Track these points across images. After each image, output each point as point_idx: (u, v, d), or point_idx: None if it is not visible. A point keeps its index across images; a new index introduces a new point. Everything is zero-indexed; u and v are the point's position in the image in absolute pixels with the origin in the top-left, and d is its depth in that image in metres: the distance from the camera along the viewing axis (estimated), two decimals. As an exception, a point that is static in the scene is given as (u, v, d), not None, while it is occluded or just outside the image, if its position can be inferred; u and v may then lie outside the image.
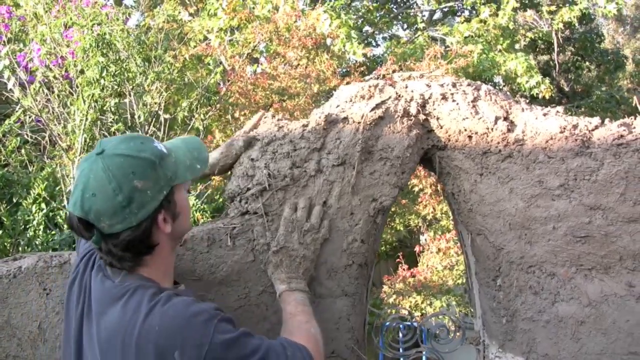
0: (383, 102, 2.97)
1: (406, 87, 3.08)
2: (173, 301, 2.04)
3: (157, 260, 2.20)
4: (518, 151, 2.88)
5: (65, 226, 4.86)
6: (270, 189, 2.84)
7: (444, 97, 3.02)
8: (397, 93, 3.03)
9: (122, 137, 2.19)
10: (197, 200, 5.90)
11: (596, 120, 2.90)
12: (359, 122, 2.91)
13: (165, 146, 2.25)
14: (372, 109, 2.92)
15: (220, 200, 6.55)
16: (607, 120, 2.93)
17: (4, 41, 6.29)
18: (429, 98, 3.03)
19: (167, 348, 1.94)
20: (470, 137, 2.95)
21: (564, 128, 2.85)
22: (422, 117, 3.01)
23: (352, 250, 2.85)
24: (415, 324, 6.08)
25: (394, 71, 10.30)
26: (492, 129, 2.92)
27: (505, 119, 2.94)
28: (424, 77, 3.25)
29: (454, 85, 3.06)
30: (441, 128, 3.01)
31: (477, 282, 3.16)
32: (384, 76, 9.58)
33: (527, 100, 3.20)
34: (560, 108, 3.01)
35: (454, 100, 3.01)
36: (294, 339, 2.26)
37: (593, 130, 2.85)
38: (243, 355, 2.00)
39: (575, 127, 2.86)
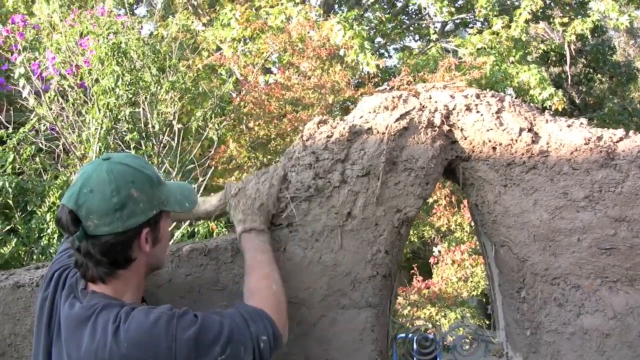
0: (407, 113, 2.95)
1: (430, 97, 3.07)
2: (132, 315, 2.06)
3: (130, 278, 2.22)
4: (542, 162, 2.86)
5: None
6: (295, 200, 2.82)
7: (468, 108, 3.00)
8: (421, 104, 3.02)
9: (128, 153, 2.29)
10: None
11: (620, 132, 2.89)
12: (383, 133, 2.89)
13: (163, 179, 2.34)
14: (397, 120, 2.91)
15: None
16: (631, 132, 2.91)
17: (19, 49, 6.30)
18: (453, 109, 3.01)
19: None
20: (494, 148, 2.93)
21: (589, 140, 2.84)
22: (446, 128, 2.98)
23: (376, 261, 2.83)
24: (431, 336, 6.06)
25: (408, 82, 10.31)
26: (516, 140, 2.90)
27: (530, 130, 2.92)
28: (447, 88, 3.24)
29: (477, 96, 3.05)
30: (465, 139, 2.99)
31: (501, 294, 3.14)
32: (398, 87, 9.57)
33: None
34: (584, 119, 2.99)
35: (478, 111, 2.99)
36: (254, 300, 2.32)
37: (618, 142, 2.84)
38: (210, 343, 2.05)
39: (599, 138, 2.85)
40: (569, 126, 2.93)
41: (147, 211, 2.17)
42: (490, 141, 2.94)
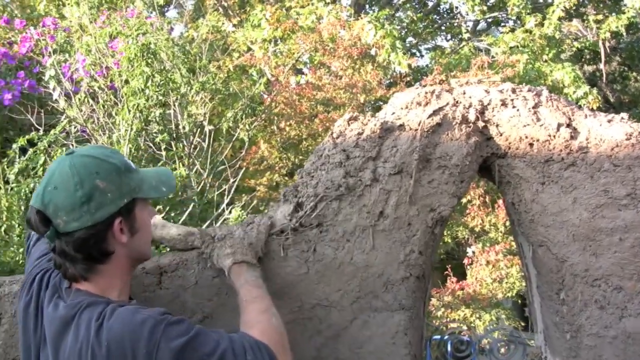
0: (440, 109, 2.87)
1: (464, 93, 2.99)
2: (118, 312, 1.99)
3: (112, 272, 2.17)
4: (582, 159, 2.77)
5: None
6: (325, 199, 2.75)
7: (504, 103, 2.92)
8: (454, 99, 2.94)
9: (95, 145, 2.24)
10: (242, 211, 5.85)
11: (664, 127, 2.79)
12: (415, 130, 2.82)
13: (135, 166, 2.28)
14: (430, 116, 2.83)
15: (265, 211, 6.51)
16: (675, 128, 2.81)
17: (49, 52, 6.31)
18: (488, 104, 2.93)
19: None
20: (531, 144, 2.85)
21: (630, 135, 2.75)
22: (481, 124, 2.90)
23: (409, 261, 2.75)
24: (466, 338, 5.97)
25: (440, 81, 10.22)
26: (554, 136, 2.81)
27: (568, 125, 2.83)
28: (482, 83, 3.15)
29: (513, 91, 2.96)
30: (501, 135, 2.91)
31: (539, 296, 3.05)
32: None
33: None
34: (625, 114, 2.89)
35: (514, 107, 2.90)
36: (254, 331, 2.16)
37: (661, 137, 2.75)
38: (199, 358, 1.94)
39: (642, 134, 2.75)
40: (609, 121, 2.84)
41: (117, 200, 2.11)
42: (527, 137, 2.85)
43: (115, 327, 1.95)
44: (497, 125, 2.92)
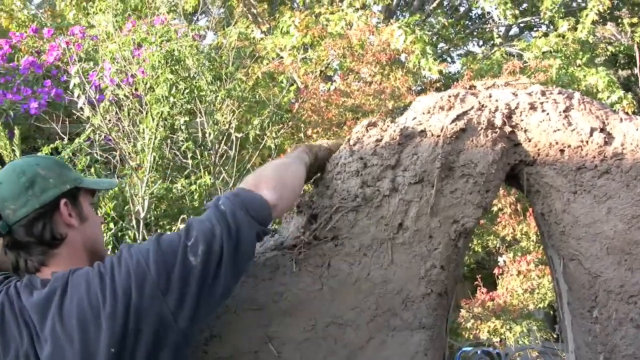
0: (465, 113, 2.73)
1: (490, 96, 2.84)
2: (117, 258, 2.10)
3: (69, 257, 2.20)
4: (617, 166, 2.61)
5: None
6: (340, 210, 2.61)
7: (533, 107, 2.76)
8: (480, 103, 2.79)
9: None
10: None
11: None
12: (438, 136, 2.67)
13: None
14: (453, 121, 2.69)
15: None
16: None
17: (74, 60, 6.30)
18: (516, 108, 2.78)
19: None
20: (562, 151, 2.69)
21: (670, 140, 2.58)
22: (508, 129, 2.75)
23: (430, 277, 2.61)
24: (497, 351, 5.80)
25: (470, 87, 10.09)
26: (587, 142, 2.65)
27: (602, 130, 2.67)
28: (509, 86, 3.00)
29: (543, 93, 2.81)
30: (529, 141, 2.75)
31: (570, 313, 2.88)
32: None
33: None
34: (663, 118, 2.73)
35: (543, 110, 2.75)
36: (247, 180, 2.40)
37: (703, 142, 2.58)
38: (173, 236, 2.12)
39: (682, 139, 2.59)
40: (646, 125, 2.67)
41: (60, 185, 2.20)
42: (557, 143, 2.70)
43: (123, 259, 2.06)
44: (525, 131, 2.77)
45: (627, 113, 2.84)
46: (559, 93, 2.81)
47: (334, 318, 2.57)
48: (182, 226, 5.04)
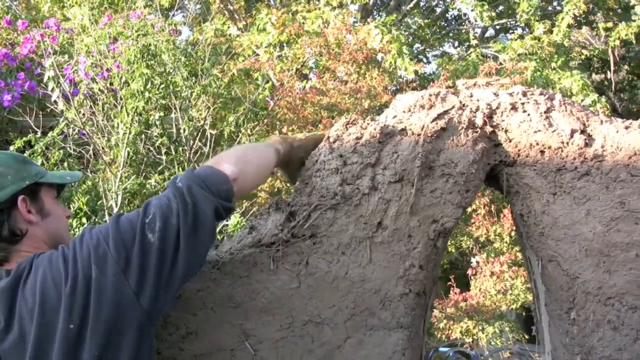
0: (445, 112, 2.72)
1: (471, 95, 2.84)
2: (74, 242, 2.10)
3: (32, 253, 2.17)
4: (597, 168, 2.61)
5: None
6: (319, 208, 2.59)
7: (514, 107, 2.76)
8: (461, 102, 2.78)
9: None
10: (242, 217, 5.73)
11: (686, 134, 2.63)
12: (418, 134, 2.66)
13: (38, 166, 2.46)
14: (434, 120, 2.67)
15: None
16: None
17: (49, 53, 6.24)
18: (497, 108, 2.78)
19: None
20: (542, 152, 2.69)
21: (649, 143, 2.58)
22: (488, 129, 2.74)
23: (409, 277, 2.59)
24: (469, 351, 5.80)
25: (446, 87, 10.13)
26: (567, 143, 2.65)
27: (583, 132, 2.67)
28: (491, 85, 2.99)
29: (524, 94, 2.80)
30: (510, 142, 2.75)
31: (547, 314, 2.88)
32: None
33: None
34: (644, 120, 2.73)
35: (524, 111, 2.74)
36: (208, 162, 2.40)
37: (683, 145, 2.58)
38: (131, 217, 2.11)
39: (662, 142, 2.59)
40: (626, 128, 2.67)
41: (18, 182, 2.22)
42: (538, 144, 2.69)
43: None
44: (506, 131, 2.76)
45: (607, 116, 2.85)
46: (541, 94, 2.81)
47: (312, 316, 2.55)
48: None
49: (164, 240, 2.04)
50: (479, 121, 2.73)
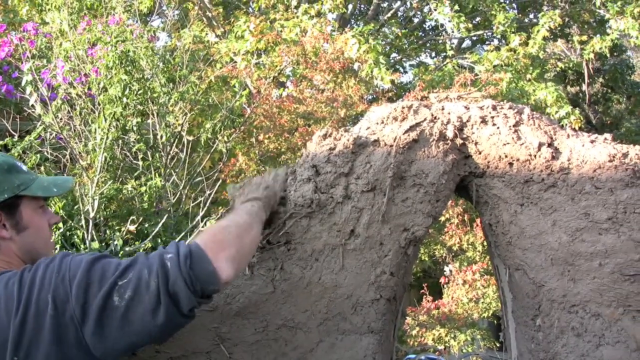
0: (417, 124, 2.79)
1: (442, 108, 2.91)
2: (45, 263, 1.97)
3: (3, 266, 2.11)
4: (563, 180, 2.68)
5: (83, 246, 4.75)
6: (294, 216, 2.65)
7: (484, 121, 2.83)
8: (432, 115, 2.85)
9: None
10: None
11: (648, 149, 2.71)
12: (391, 145, 2.73)
13: (30, 171, 2.30)
14: (406, 131, 2.74)
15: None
16: (660, 150, 2.74)
17: (28, 57, 6.22)
18: (467, 121, 2.85)
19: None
20: (511, 164, 2.76)
21: (613, 157, 2.66)
22: (459, 141, 2.82)
23: (380, 283, 2.66)
24: (440, 358, 5.87)
25: (422, 98, 10.19)
26: (535, 156, 2.73)
27: (550, 145, 2.75)
28: (462, 99, 3.06)
29: (494, 108, 2.88)
30: (479, 154, 2.82)
31: (514, 321, 2.96)
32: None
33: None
34: (608, 135, 2.81)
35: (494, 124, 2.82)
36: (211, 246, 2.04)
37: (645, 159, 2.66)
38: (109, 268, 1.94)
39: (625, 155, 2.67)
40: (592, 142, 2.76)
41: None
42: (506, 156, 2.77)
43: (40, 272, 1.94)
44: (476, 143, 2.84)
45: (574, 129, 2.92)
46: (510, 108, 2.88)
47: (285, 321, 2.61)
48: (131, 227, 5.02)
49: (127, 309, 1.88)
50: (449, 133, 2.80)
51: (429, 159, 2.75)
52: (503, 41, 16.89)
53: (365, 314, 2.66)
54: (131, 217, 5.15)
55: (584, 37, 16.35)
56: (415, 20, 20.58)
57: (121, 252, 4.77)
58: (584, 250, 2.61)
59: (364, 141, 2.75)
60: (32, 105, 6.06)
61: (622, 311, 2.57)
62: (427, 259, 12.48)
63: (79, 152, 5.85)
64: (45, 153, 5.80)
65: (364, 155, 2.74)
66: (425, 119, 2.83)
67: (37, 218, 2.24)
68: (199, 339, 2.55)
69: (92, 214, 5.06)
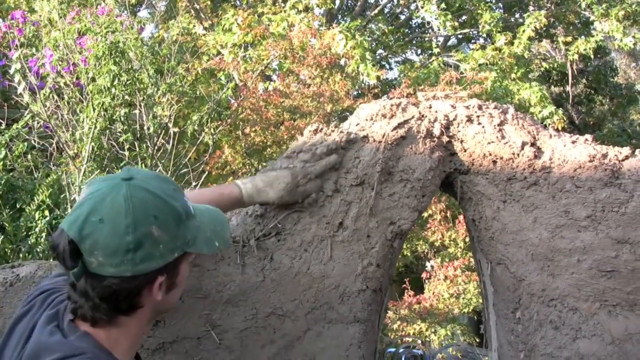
0: (405, 122, 2.86)
1: (430, 107, 2.98)
2: None
3: (130, 326, 1.82)
4: (544, 179, 2.77)
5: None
6: (285, 209, 2.72)
7: (470, 120, 2.91)
8: (420, 113, 2.92)
9: (154, 173, 1.89)
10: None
11: (626, 150, 2.80)
12: (379, 142, 2.80)
13: (191, 206, 1.92)
14: (394, 128, 2.81)
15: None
16: (638, 151, 2.82)
17: (16, 45, 6.24)
18: (454, 119, 2.92)
19: None
20: (494, 162, 2.84)
21: (593, 157, 2.75)
22: (445, 139, 2.89)
23: (366, 274, 2.73)
24: (420, 352, 5.94)
25: (408, 95, 10.24)
26: (518, 155, 2.81)
27: (533, 144, 2.83)
28: (449, 98, 3.14)
29: (480, 107, 2.95)
30: (465, 151, 2.90)
31: (495, 314, 3.04)
32: (397, 99, 9.53)
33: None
34: (589, 136, 2.90)
35: (479, 123, 2.90)
36: None
37: (623, 160, 2.76)
38: None
39: (604, 156, 2.76)
40: (573, 142, 2.84)
41: (167, 255, 1.76)
42: (491, 154, 2.85)
43: None
44: (461, 141, 2.91)
45: (557, 129, 3.00)
46: (495, 108, 2.96)
47: (274, 309, 2.68)
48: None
49: None
50: (436, 131, 2.88)
51: (416, 156, 2.82)
52: (489, 40, 16.92)
53: (351, 304, 2.73)
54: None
55: (569, 38, 16.41)
56: (402, 17, 20.56)
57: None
58: (563, 247, 2.70)
59: (353, 137, 2.83)
60: (20, 94, 6.07)
61: (599, 306, 2.66)
62: (409, 254, 12.52)
63: (66, 141, 5.87)
64: (33, 141, 5.82)
65: (353, 151, 2.81)
66: (413, 117, 2.90)
67: (186, 271, 1.94)
68: (190, 325, 2.60)
69: (78, 203, 5.08)
